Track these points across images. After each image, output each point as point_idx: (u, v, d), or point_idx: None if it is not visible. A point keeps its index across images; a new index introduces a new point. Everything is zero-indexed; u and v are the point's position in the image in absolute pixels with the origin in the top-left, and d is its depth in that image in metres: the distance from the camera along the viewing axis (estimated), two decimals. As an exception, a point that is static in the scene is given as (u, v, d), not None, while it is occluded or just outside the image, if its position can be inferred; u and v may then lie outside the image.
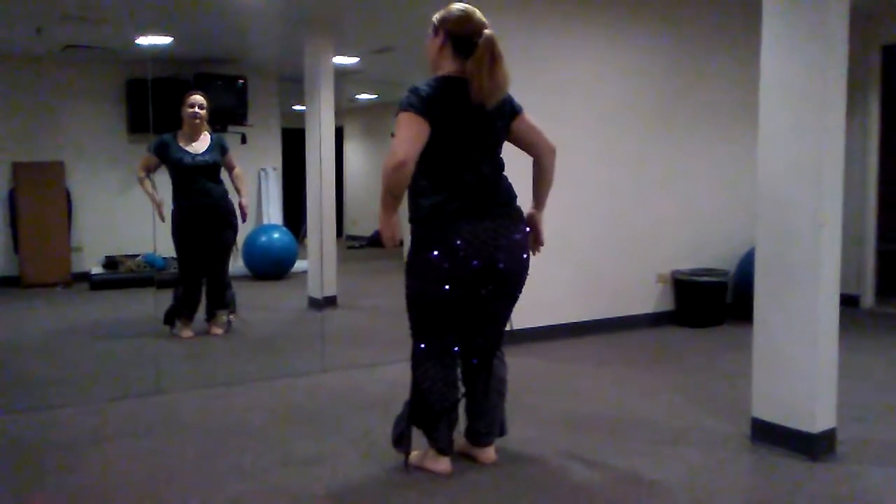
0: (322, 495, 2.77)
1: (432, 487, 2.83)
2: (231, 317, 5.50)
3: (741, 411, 3.49)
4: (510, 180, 2.93)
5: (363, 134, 14.12)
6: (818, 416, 3.09)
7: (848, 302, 5.80)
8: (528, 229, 2.95)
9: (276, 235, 8.61)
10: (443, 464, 2.95)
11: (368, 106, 13.18)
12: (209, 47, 7.36)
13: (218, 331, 5.43)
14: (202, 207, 5.19)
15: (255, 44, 7.44)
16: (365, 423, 3.55)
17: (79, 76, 6.69)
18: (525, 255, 2.92)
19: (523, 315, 5.16)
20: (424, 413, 2.91)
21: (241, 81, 8.68)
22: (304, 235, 7.23)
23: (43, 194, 6.65)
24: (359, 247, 12.50)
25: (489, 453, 3.06)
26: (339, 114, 7.49)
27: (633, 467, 3.04)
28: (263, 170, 9.41)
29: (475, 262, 2.78)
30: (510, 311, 2.99)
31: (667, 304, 5.92)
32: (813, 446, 3.09)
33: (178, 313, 5.27)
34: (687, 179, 5.94)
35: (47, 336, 5.54)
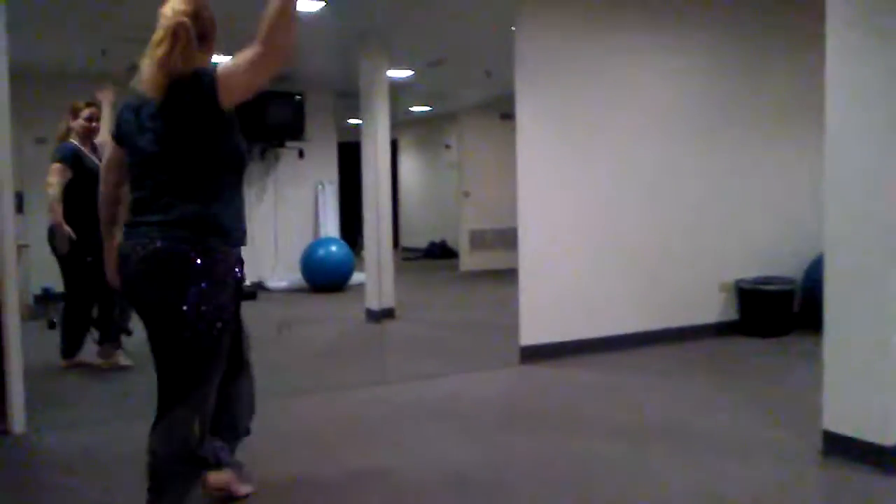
0: (381, 508, 2.78)
1: (489, 494, 2.80)
2: (115, 352, 4.88)
3: (811, 423, 3.37)
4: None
5: (417, 145, 14.24)
6: (892, 428, 2.97)
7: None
8: None
9: (333, 248, 8.73)
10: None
11: (422, 118, 13.27)
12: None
13: (99, 361, 4.87)
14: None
15: (311, 60, 7.56)
16: (425, 433, 3.54)
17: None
18: None
19: (583, 325, 5.14)
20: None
21: (298, 97, 8.85)
22: (362, 248, 7.29)
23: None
24: (414, 258, 12.59)
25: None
26: (393, 126, 7.53)
27: (698, 482, 2.96)
28: (321, 183, 9.57)
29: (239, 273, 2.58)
30: None
31: (731, 314, 5.78)
32: (886, 459, 2.96)
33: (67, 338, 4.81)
34: (750, 185, 5.79)
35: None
